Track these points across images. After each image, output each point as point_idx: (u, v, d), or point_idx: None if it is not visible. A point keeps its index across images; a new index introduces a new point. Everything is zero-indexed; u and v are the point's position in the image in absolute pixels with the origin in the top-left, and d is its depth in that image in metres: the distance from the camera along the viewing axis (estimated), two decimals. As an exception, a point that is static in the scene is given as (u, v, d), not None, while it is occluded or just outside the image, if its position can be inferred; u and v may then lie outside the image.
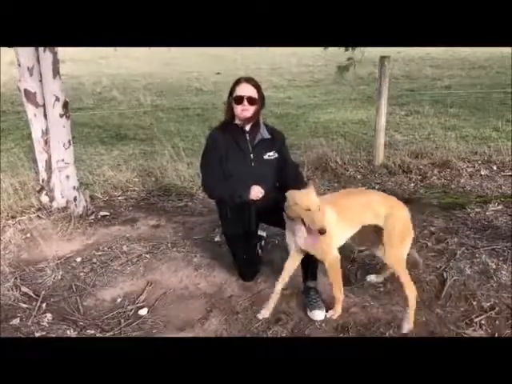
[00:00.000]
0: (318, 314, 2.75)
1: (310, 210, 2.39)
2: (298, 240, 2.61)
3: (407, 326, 2.62)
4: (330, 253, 2.62)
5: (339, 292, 2.70)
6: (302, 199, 2.42)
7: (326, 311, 2.77)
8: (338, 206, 2.63)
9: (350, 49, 4.96)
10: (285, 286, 2.79)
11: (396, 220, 2.67)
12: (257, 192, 2.80)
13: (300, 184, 2.75)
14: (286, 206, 2.52)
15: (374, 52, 6.71)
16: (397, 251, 2.66)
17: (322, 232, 2.36)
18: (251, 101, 2.83)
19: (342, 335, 2.60)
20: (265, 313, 2.77)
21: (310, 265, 2.86)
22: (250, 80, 2.88)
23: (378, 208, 2.68)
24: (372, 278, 3.11)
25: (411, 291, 2.65)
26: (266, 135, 2.94)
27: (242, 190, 2.80)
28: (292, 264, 2.76)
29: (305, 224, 2.44)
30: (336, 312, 2.74)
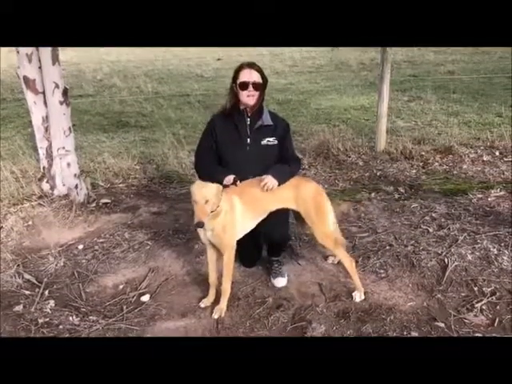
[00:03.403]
0: (280, 281, 2.96)
1: (195, 202, 2.45)
2: (206, 233, 2.66)
3: (358, 295, 2.78)
4: (230, 245, 2.70)
5: (229, 284, 2.73)
6: (193, 191, 2.49)
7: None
8: (244, 194, 2.67)
9: None
10: (217, 274, 2.81)
11: (305, 199, 2.76)
12: (227, 181, 2.76)
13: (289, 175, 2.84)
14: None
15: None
16: (320, 227, 2.76)
17: (197, 225, 2.44)
18: (256, 86, 2.81)
19: (342, 321, 2.61)
20: (206, 302, 2.82)
21: (273, 245, 3.02)
22: (252, 65, 2.84)
23: (282, 193, 2.75)
24: (330, 259, 3.20)
25: (348, 261, 2.79)
26: (268, 121, 2.90)
27: (222, 176, 2.77)
28: (211, 256, 2.81)
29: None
30: (221, 307, 2.71)
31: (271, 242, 3.01)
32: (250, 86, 2.79)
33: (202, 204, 2.43)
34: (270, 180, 2.71)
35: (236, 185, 2.73)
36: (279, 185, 2.73)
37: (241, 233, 2.77)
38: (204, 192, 2.45)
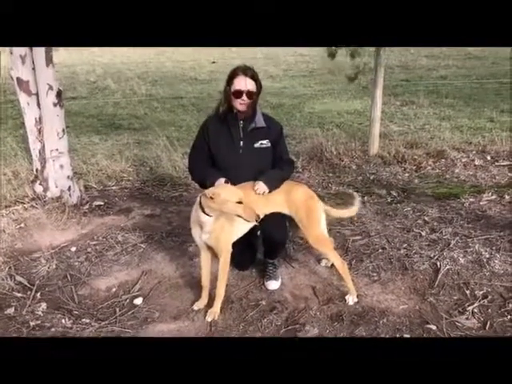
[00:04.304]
0: (273, 284, 2.97)
1: (241, 202, 2.45)
2: (203, 236, 2.66)
3: (351, 298, 2.79)
4: (226, 248, 2.70)
5: (223, 289, 2.73)
6: (232, 194, 2.47)
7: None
8: None
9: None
10: (210, 277, 2.81)
11: (296, 203, 2.78)
12: (218, 184, 2.74)
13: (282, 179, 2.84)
14: (207, 202, 2.51)
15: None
16: (312, 230, 2.78)
17: (257, 219, 2.46)
18: (250, 95, 2.79)
19: (336, 324, 2.61)
20: (199, 304, 2.81)
21: (273, 246, 3.00)
22: (247, 72, 2.80)
23: (274, 197, 2.77)
24: (324, 262, 3.20)
25: (339, 263, 2.79)
26: (261, 123, 2.89)
27: (213, 179, 2.76)
28: (205, 259, 2.80)
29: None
30: (215, 310, 2.70)
31: (270, 243, 2.99)
32: (244, 95, 2.78)
33: (247, 202, 2.46)
34: (260, 186, 2.72)
35: None
36: (270, 191, 2.74)
37: (235, 236, 2.77)
38: (239, 191, 2.49)
